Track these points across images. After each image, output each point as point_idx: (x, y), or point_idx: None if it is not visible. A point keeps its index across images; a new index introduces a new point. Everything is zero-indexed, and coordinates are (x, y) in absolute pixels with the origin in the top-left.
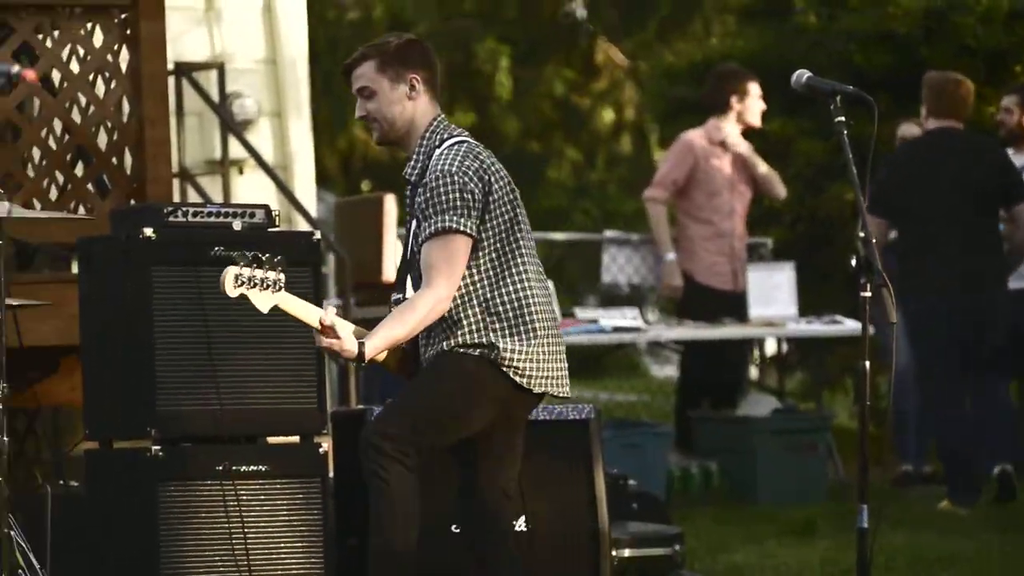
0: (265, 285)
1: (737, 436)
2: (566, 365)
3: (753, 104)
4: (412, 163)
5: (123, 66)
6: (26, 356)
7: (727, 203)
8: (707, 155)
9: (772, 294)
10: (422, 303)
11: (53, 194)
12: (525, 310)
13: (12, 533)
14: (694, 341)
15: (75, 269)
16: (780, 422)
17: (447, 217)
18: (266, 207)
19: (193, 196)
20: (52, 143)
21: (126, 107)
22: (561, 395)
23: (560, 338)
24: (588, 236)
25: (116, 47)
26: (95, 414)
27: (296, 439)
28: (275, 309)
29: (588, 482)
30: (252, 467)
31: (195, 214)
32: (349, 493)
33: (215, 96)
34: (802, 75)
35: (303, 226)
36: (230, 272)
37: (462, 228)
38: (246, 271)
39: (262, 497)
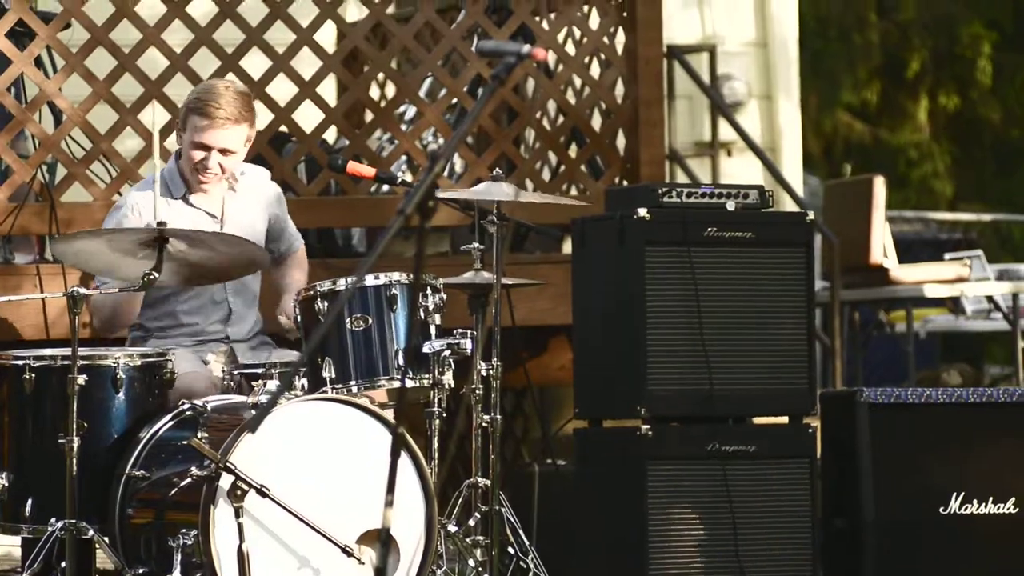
0: None
1: None
2: None
3: None
4: None
5: (619, 48)
6: (517, 335)
7: None
8: None
9: None
10: None
11: (546, 175)
12: None
13: (502, 509)
14: None
15: (565, 249)
16: None
17: None
18: (760, 188)
19: (681, 178)
20: (546, 124)
21: (620, 89)
22: None
23: None
24: None
25: (612, 30)
26: (585, 393)
27: (784, 420)
28: None
29: None
30: (740, 447)
31: (689, 194)
32: (836, 474)
33: (706, 78)
34: None
35: (791, 208)
36: None
37: None
38: None
39: (750, 477)
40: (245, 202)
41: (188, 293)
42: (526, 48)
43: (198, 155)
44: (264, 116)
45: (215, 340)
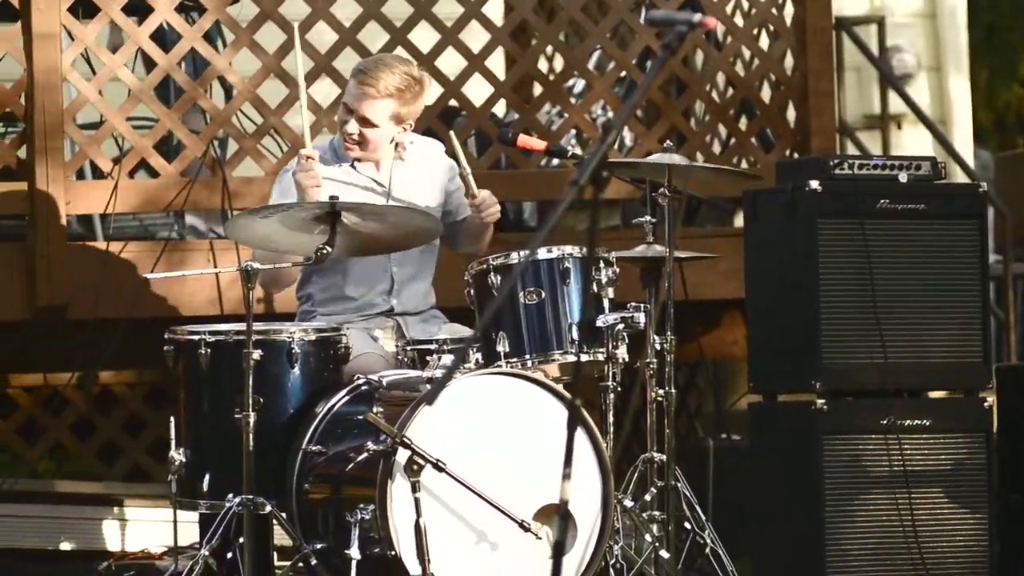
0: None
1: None
2: None
3: None
4: None
5: (787, 19)
6: (690, 309)
7: None
8: None
9: None
10: None
11: (716, 148)
12: None
13: (679, 484)
14: None
15: (737, 223)
16: None
17: None
18: (932, 159)
19: (851, 150)
20: (716, 97)
21: (790, 61)
22: None
23: None
24: None
25: (781, 1)
26: (759, 367)
27: (960, 393)
28: None
29: None
30: (916, 421)
31: (860, 166)
32: (1012, 448)
33: (874, 50)
34: None
35: (962, 180)
36: None
37: None
38: None
39: (925, 451)
40: (414, 172)
41: (353, 263)
42: (697, 17)
43: (343, 118)
44: (433, 90)
45: (380, 314)
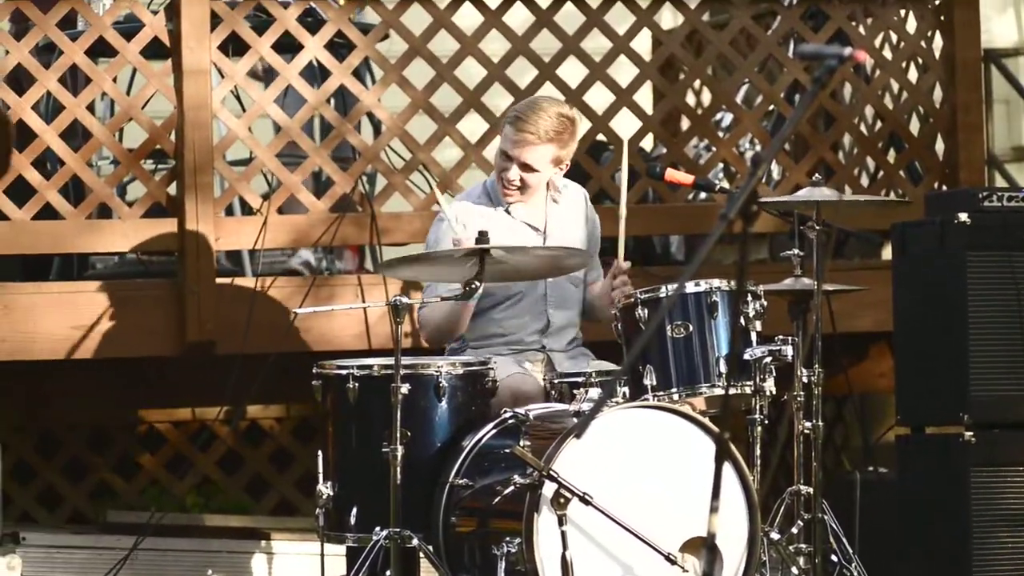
0: None
1: None
2: None
3: None
4: None
5: (936, 52)
6: (838, 342)
7: None
8: None
9: None
10: None
11: (864, 180)
12: None
13: (825, 517)
14: None
15: (884, 256)
16: None
17: None
18: None
19: (1000, 183)
20: (864, 130)
21: (938, 93)
22: None
23: None
24: None
25: (929, 33)
26: (906, 400)
27: None
28: None
29: None
30: None
31: (1009, 199)
32: None
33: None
34: None
35: None
36: None
37: None
38: None
39: None
40: (568, 216)
41: (508, 303)
42: (847, 50)
43: (502, 164)
44: (582, 124)
45: (532, 350)
